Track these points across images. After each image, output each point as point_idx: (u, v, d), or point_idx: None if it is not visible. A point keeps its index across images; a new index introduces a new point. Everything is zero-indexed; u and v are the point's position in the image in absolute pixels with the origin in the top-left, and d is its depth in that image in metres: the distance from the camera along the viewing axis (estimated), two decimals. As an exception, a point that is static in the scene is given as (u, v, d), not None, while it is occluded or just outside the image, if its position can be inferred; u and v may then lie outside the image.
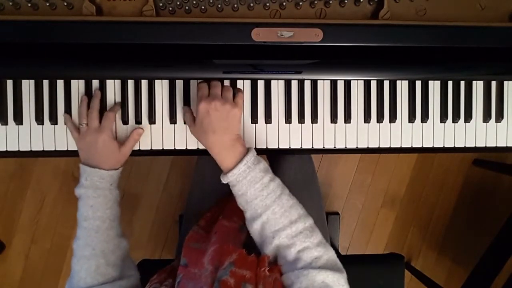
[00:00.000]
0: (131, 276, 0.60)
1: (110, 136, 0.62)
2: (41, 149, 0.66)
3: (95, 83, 0.66)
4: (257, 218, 0.54)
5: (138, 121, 0.66)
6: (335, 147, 0.69)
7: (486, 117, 0.71)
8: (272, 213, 0.53)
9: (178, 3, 0.62)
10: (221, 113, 0.58)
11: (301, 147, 0.69)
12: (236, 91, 0.65)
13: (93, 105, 0.63)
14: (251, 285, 0.47)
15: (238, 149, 0.58)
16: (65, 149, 0.66)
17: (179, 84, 0.67)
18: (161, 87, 0.67)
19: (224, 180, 0.58)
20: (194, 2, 0.62)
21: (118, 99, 0.66)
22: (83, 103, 0.64)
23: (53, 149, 0.66)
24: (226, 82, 0.67)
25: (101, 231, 0.58)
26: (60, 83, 0.66)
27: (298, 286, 0.47)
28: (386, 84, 0.69)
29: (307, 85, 0.68)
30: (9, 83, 0.65)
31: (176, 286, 0.53)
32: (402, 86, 0.70)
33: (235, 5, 0.63)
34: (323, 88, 0.69)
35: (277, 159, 0.82)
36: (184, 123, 0.67)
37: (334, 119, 0.69)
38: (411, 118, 0.70)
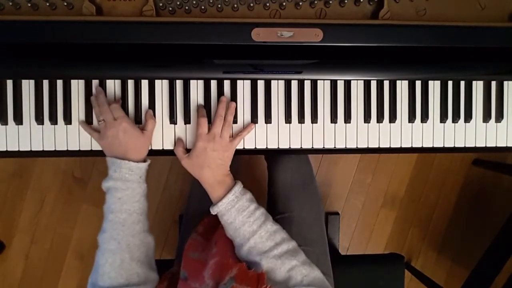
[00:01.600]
0: (154, 280, 0.59)
1: (129, 123, 0.62)
2: (41, 149, 0.66)
3: (95, 83, 0.66)
4: (245, 243, 0.56)
5: (138, 121, 0.66)
6: (335, 147, 0.69)
7: (486, 117, 0.71)
8: (259, 237, 0.56)
9: (178, 3, 0.62)
10: (217, 152, 0.62)
11: (301, 147, 0.69)
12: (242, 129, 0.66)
13: (102, 102, 0.63)
14: None
15: (227, 182, 0.62)
16: (65, 149, 0.66)
17: (179, 84, 0.67)
18: (161, 87, 0.67)
19: (214, 210, 0.60)
20: (194, 2, 0.62)
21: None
22: (94, 103, 0.64)
23: (53, 149, 0.66)
24: (226, 82, 0.67)
25: (127, 225, 0.57)
26: (60, 83, 0.66)
27: None
28: (386, 84, 0.69)
29: (307, 85, 0.68)
30: (9, 83, 0.65)
31: None
32: (402, 86, 0.70)
33: (235, 5, 0.63)
34: (323, 88, 0.69)
35: (275, 161, 0.82)
36: (184, 123, 0.67)
37: (334, 119, 0.69)
38: (411, 118, 0.70)
